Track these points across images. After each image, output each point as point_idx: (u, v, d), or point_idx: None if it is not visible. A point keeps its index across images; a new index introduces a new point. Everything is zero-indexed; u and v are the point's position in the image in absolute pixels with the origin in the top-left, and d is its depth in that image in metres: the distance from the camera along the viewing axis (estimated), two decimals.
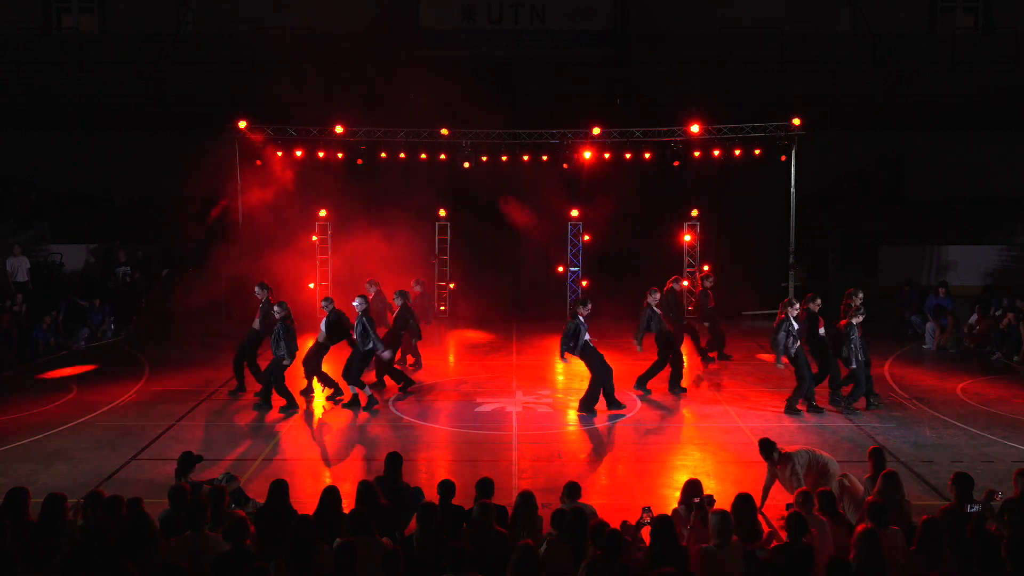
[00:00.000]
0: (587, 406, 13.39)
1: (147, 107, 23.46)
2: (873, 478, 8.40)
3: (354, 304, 13.69)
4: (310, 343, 14.60)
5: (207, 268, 20.61)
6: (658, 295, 14.57)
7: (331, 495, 7.74)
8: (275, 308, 13.47)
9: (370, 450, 11.98)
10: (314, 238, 20.64)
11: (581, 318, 13.34)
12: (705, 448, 11.99)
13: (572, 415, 13.46)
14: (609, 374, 13.42)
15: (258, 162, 20.50)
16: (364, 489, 7.87)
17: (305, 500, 8.94)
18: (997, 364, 16.43)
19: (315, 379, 14.09)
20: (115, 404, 13.83)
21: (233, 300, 20.01)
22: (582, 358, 13.37)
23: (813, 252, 22.49)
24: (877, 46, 24.23)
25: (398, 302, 14.91)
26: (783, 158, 20.27)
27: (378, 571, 6.36)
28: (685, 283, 20.40)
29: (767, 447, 9.32)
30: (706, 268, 19.50)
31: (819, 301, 13.89)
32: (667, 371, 14.51)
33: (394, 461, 8.78)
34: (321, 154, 20.49)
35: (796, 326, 13.21)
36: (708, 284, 17.00)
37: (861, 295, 13.97)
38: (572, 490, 8.02)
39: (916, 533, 6.83)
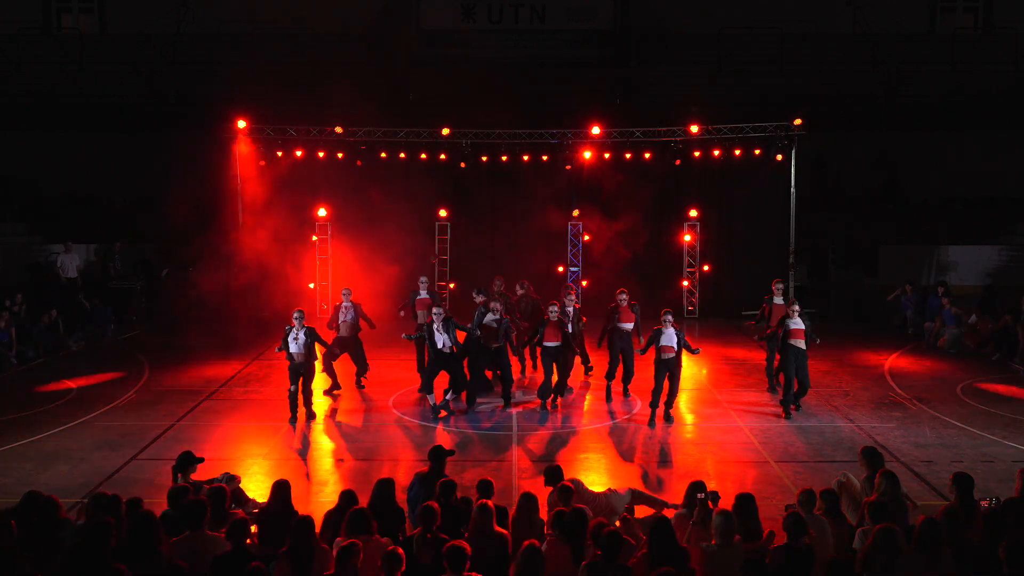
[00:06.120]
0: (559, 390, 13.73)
1: (147, 107, 23.40)
2: (870, 478, 8.38)
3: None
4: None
5: (206, 268, 20.58)
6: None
7: (386, 486, 7.81)
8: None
9: (370, 450, 11.97)
10: (314, 238, 20.65)
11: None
12: (705, 448, 11.99)
13: (572, 415, 13.46)
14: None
15: (260, 162, 20.49)
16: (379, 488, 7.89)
17: (304, 500, 8.94)
18: (997, 364, 16.43)
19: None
20: (115, 404, 13.82)
21: (241, 298, 19.99)
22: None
23: (813, 252, 22.50)
24: (877, 46, 24.22)
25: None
26: (781, 158, 20.27)
27: (378, 571, 6.36)
28: (685, 283, 20.47)
29: (550, 474, 8.59)
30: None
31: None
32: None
33: (438, 454, 8.75)
34: (321, 154, 20.50)
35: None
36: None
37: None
38: (565, 492, 7.98)
39: (916, 533, 6.82)
